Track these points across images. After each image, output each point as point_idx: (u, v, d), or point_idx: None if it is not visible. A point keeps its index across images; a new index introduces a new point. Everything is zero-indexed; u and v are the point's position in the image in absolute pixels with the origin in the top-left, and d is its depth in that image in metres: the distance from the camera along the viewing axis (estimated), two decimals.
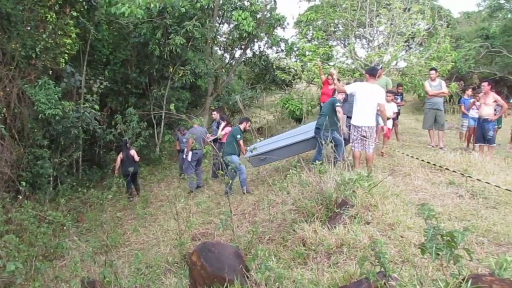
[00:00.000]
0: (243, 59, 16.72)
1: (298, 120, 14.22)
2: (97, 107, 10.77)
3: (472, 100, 8.89)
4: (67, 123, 9.72)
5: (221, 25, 16.03)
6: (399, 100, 9.84)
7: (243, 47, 16.17)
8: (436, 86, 8.46)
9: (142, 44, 12.79)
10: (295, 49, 16.05)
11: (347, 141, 6.73)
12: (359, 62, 12.38)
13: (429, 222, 2.17)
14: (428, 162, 5.79)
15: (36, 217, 6.42)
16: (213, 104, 15.02)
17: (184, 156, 9.24)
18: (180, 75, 12.91)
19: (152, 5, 10.78)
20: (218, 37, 16.04)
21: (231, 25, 15.41)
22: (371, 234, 3.51)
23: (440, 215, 3.87)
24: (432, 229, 2.10)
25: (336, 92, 6.71)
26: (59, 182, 10.16)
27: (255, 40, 15.66)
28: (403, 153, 6.81)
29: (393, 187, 4.83)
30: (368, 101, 5.93)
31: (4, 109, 8.89)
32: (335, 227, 3.75)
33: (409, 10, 12.08)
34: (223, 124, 9.40)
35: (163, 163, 12.99)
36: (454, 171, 5.07)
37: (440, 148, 8.11)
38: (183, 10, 11.89)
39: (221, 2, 14.13)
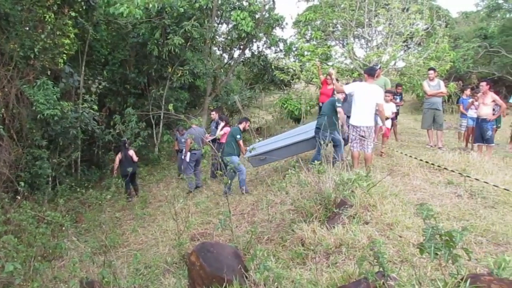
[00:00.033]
0: (241, 59, 16.71)
1: (297, 120, 14.22)
2: (95, 107, 10.77)
3: (470, 100, 8.91)
4: (65, 124, 9.72)
5: (219, 25, 16.02)
6: (398, 100, 9.85)
7: (241, 47, 16.16)
8: (435, 86, 8.47)
9: (141, 44, 12.78)
10: (294, 49, 16.05)
11: (346, 141, 6.73)
12: (358, 62, 12.38)
13: (427, 222, 2.17)
14: (426, 162, 5.80)
15: (34, 218, 6.42)
16: (212, 104, 15.01)
17: (183, 157, 9.25)
18: (179, 75, 12.91)
19: (150, 5, 10.76)
20: (217, 37, 16.04)
21: (230, 25, 15.40)
22: (369, 234, 3.52)
23: (439, 215, 3.87)
24: (431, 229, 2.10)
25: (335, 92, 6.71)
26: (58, 182, 10.15)
27: (254, 40, 15.65)
28: (401, 153, 6.82)
29: (391, 187, 4.84)
30: (367, 101, 5.93)
31: (3, 109, 8.87)
32: (333, 227, 3.75)
33: (407, 10, 12.09)
34: (221, 124, 9.40)
35: (161, 163, 12.99)
36: (453, 171, 5.08)
37: (439, 148, 8.13)
38: (182, 10, 11.89)
39: (219, 2, 14.12)
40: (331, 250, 3.45)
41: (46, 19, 9.25)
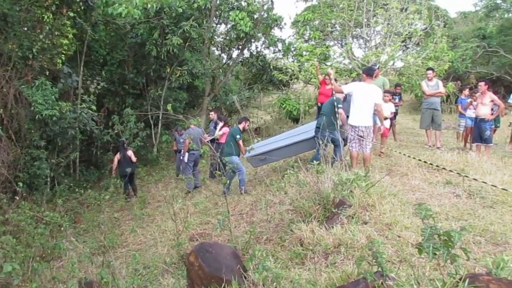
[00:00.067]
0: (240, 59, 16.72)
1: (295, 120, 14.22)
2: (94, 107, 10.74)
3: (469, 100, 8.92)
4: (64, 124, 9.70)
5: (218, 26, 16.02)
6: (397, 100, 9.86)
7: (240, 47, 16.17)
8: (433, 86, 8.48)
9: (139, 45, 12.76)
10: (292, 49, 16.06)
11: (345, 141, 6.74)
12: (356, 62, 12.39)
13: (426, 221, 2.18)
14: (425, 162, 5.81)
15: (33, 218, 6.40)
16: (211, 105, 15.00)
17: (181, 157, 9.24)
18: (177, 75, 12.89)
19: (149, 6, 10.75)
20: (215, 37, 16.01)
21: (228, 26, 15.41)
22: (368, 234, 3.52)
23: (437, 214, 3.88)
24: (429, 229, 2.10)
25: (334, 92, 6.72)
26: (56, 183, 10.13)
27: (252, 40, 15.66)
28: (400, 153, 6.82)
29: (390, 187, 4.84)
30: (365, 101, 5.94)
31: (1, 109, 8.86)
32: (332, 227, 3.75)
33: (406, 10, 12.09)
34: (220, 124, 9.40)
35: (160, 164, 12.97)
36: (451, 171, 5.09)
37: (437, 148, 8.13)
38: (180, 10, 11.88)
39: (218, 2, 14.12)
40: (330, 250, 3.45)
41: (44, 20, 9.24)
